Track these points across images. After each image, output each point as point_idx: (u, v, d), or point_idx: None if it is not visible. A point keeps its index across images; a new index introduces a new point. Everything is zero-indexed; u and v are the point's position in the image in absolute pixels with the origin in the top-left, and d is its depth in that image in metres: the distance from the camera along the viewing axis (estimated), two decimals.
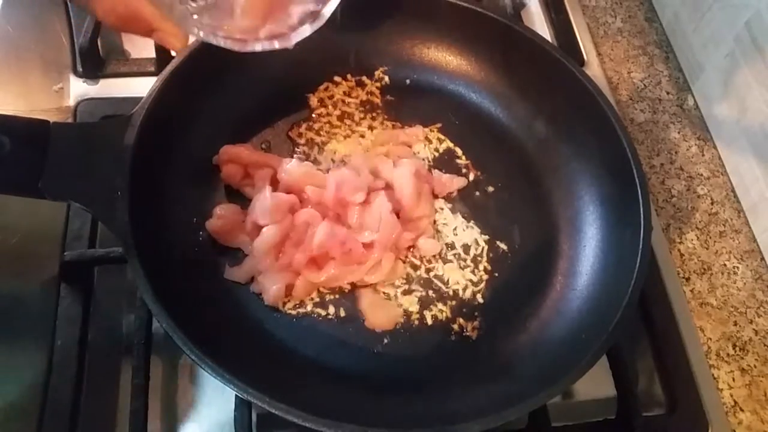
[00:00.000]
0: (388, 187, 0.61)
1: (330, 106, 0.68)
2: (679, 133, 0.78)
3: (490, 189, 0.65)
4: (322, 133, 0.67)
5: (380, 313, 0.58)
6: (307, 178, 0.60)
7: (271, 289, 0.56)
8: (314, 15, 0.49)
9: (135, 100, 0.56)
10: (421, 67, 0.70)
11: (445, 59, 0.70)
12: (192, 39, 0.56)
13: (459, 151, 0.67)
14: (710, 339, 0.65)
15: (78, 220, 0.61)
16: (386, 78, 0.70)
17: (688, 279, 0.68)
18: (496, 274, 0.61)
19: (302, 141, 0.67)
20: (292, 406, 0.45)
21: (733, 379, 0.63)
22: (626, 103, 0.80)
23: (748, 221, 0.72)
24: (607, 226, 0.60)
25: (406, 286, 0.60)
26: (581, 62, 0.78)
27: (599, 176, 0.62)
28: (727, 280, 0.68)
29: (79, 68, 0.71)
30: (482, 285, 0.60)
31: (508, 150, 0.67)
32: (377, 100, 0.70)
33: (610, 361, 0.58)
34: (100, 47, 0.72)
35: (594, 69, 0.79)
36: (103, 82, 0.71)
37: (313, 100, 0.68)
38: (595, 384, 0.58)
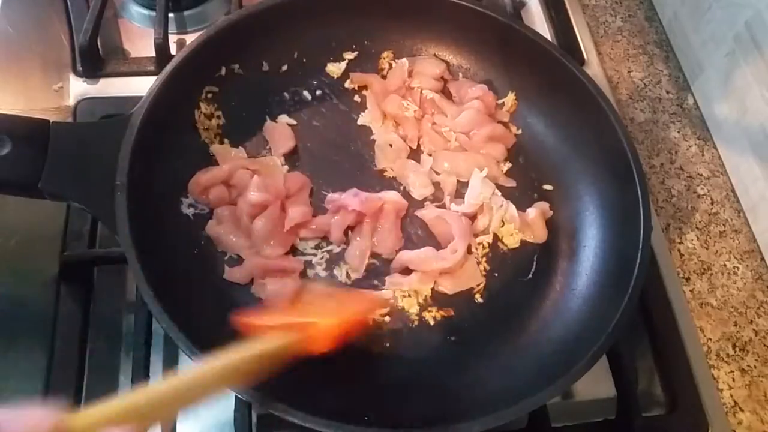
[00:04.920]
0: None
1: None
2: (679, 132, 0.78)
3: None
4: None
5: None
6: None
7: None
8: None
9: (135, 100, 0.56)
10: None
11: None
12: None
13: None
14: (710, 339, 0.65)
15: (78, 220, 0.61)
16: None
17: (688, 279, 0.68)
18: (496, 274, 0.61)
19: None
20: (292, 406, 0.45)
21: (733, 380, 0.63)
22: (626, 103, 0.80)
23: (748, 221, 0.72)
24: (607, 226, 0.60)
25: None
26: (581, 61, 0.78)
27: (599, 176, 0.62)
28: (727, 281, 0.68)
29: (79, 68, 0.71)
30: (482, 285, 0.60)
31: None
32: None
33: (610, 361, 0.58)
34: (99, 47, 0.72)
35: (594, 68, 0.79)
36: (102, 81, 0.71)
37: None
38: (595, 384, 0.58)
